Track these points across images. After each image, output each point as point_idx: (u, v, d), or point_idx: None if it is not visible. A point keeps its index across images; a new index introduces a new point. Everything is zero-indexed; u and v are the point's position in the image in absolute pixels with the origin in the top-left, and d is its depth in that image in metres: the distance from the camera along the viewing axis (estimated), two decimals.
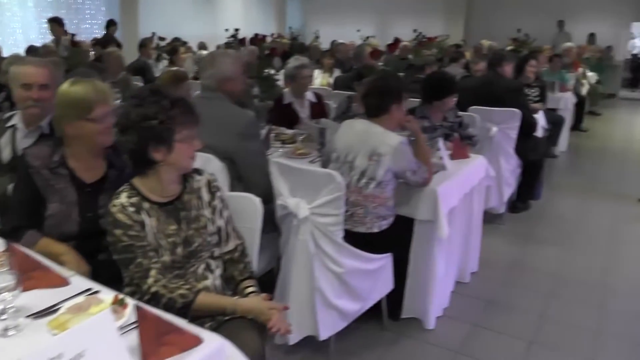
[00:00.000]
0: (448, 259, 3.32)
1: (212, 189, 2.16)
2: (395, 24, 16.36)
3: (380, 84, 3.05)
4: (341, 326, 2.92)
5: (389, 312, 3.23)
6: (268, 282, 2.91)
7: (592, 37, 14.25)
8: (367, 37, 11.32)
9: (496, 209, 4.90)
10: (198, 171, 2.17)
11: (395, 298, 3.19)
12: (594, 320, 3.52)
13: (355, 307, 2.93)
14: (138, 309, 1.51)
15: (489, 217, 4.93)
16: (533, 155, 5.10)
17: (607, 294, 3.88)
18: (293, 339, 2.83)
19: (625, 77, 16.41)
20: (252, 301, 2.03)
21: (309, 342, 2.92)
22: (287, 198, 2.78)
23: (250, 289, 2.13)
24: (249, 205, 2.32)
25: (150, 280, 1.91)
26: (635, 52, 17.10)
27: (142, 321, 1.49)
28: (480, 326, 3.36)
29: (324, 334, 2.82)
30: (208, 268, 2.12)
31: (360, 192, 2.90)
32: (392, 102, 2.97)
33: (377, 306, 3.13)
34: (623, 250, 4.70)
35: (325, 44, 11.62)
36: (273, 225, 2.96)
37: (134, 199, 1.98)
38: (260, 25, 16.41)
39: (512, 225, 5.06)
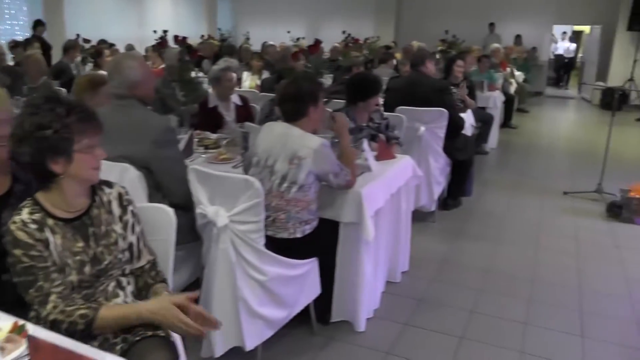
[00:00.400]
0: (376, 260, 3.30)
1: (124, 202, 2.02)
2: (326, 25, 16.43)
3: (292, 89, 2.97)
4: (268, 335, 2.85)
5: (318, 316, 3.18)
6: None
7: (518, 38, 14.76)
8: (298, 39, 11.30)
9: (427, 207, 4.95)
10: (108, 183, 2.04)
11: (323, 302, 3.15)
12: (523, 312, 3.59)
13: (281, 315, 2.87)
14: (31, 340, 1.39)
15: (420, 216, 4.99)
16: (462, 155, 5.17)
17: (535, 286, 3.96)
18: (218, 350, 2.75)
19: (550, 76, 17.21)
20: (157, 301, 1.88)
21: (236, 352, 2.83)
22: (206, 206, 2.69)
23: (164, 291, 2.01)
24: (162, 217, 2.19)
25: (49, 307, 1.77)
26: (558, 52, 17.94)
27: (35, 353, 1.37)
28: (411, 325, 3.35)
29: (250, 344, 2.74)
30: (119, 285, 2.00)
31: (282, 197, 2.83)
32: (309, 105, 2.92)
33: (306, 311, 3.08)
34: (550, 242, 4.83)
35: (256, 46, 11.53)
36: (196, 234, 2.87)
37: (37, 215, 1.83)
38: (190, 26, 16.16)
39: (443, 222, 5.11)
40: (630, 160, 8.17)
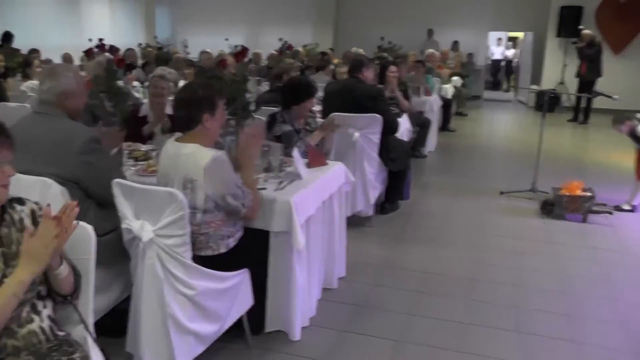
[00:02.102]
0: (310, 267, 3.28)
1: (37, 219, 1.91)
2: (265, 32, 16.40)
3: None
4: (199, 350, 2.77)
5: (251, 328, 3.12)
6: (126, 311, 2.76)
7: (455, 44, 15.12)
8: (236, 47, 11.22)
9: (364, 212, 4.97)
10: (20, 200, 1.93)
11: (257, 313, 3.09)
12: (462, 312, 3.64)
13: (212, 329, 2.80)
14: None
15: (358, 221, 5.00)
16: (397, 166, 5.22)
17: (474, 286, 4.03)
18: None
19: (487, 80, 17.75)
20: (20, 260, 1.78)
21: None
22: (131, 221, 2.61)
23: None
24: (82, 234, 2.09)
25: None
26: (494, 57, 18.57)
27: None
28: (348, 331, 3.34)
29: None
30: (34, 309, 1.89)
31: (191, 223, 2.64)
32: (203, 112, 2.72)
33: (239, 324, 3.02)
34: (488, 242, 4.94)
35: (195, 54, 11.40)
36: None
37: None
38: (128, 34, 15.84)
39: (381, 227, 5.13)
40: (562, 159, 8.44)
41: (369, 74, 5.19)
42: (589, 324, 3.57)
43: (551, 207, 5.66)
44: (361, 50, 10.71)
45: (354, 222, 4.91)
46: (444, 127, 10.37)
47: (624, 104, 6.10)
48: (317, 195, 3.30)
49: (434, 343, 3.25)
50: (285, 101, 4.08)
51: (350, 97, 4.92)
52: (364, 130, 4.76)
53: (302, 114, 4.08)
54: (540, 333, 3.41)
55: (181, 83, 7.29)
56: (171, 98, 4.63)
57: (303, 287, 3.15)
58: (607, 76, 11.78)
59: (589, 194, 5.58)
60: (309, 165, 3.51)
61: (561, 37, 13.72)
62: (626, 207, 5.93)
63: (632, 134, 5.81)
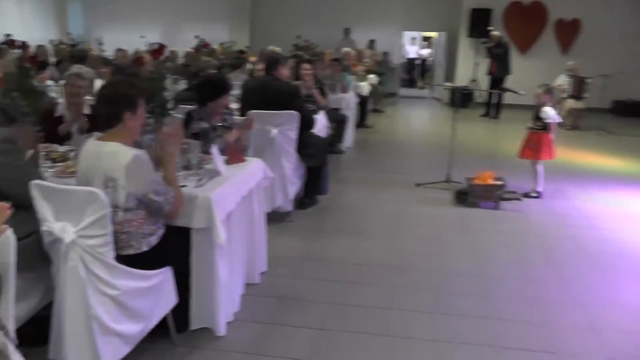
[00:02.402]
0: (232, 263, 3.32)
1: None
2: (182, 30, 16.14)
3: (107, 91, 2.82)
4: (125, 351, 2.76)
5: (176, 326, 3.13)
6: (48, 318, 2.70)
7: (372, 42, 15.43)
8: (152, 44, 11.03)
9: (284, 208, 5.06)
10: None
11: (181, 311, 3.10)
12: (383, 297, 3.80)
13: (137, 329, 2.79)
14: None
15: (278, 216, 5.08)
16: (314, 161, 5.33)
17: (394, 273, 4.20)
18: None
19: (403, 78, 18.31)
20: None
21: None
22: (51, 223, 2.56)
23: None
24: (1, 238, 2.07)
25: None
26: (409, 56, 19.23)
27: None
28: (272, 323, 3.41)
29: None
30: None
31: (113, 222, 2.64)
32: (124, 110, 2.71)
33: (164, 322, 3.03)
34: (406, 231, 5.15)
35: (110, 51, 11.11)
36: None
37: None
38: (38, 30, 15.17)
39: (301, 221, 5.24)
40: (475, 151, 8.84)
41: (285, 72, 5.28)
42: (503, 302, 3.82)
43: (465, 196, 5.95)
44: (277, 48, 10.77)
45: (274, 217, 4.98)
46: (361, 123, 10.62)
47: (529, 98, 6.52)
48: (237, 191, 3.35)
49: (355, 329, 3.39)
50: (201, 98, 4.11)
51: (267, 95, 5.00)
52: (282, 127, 4.85)
53: (217, 110, 4.11)
54: (457, 313, 3.63)
55: (97, 82, 7.14)
56: (87, 97, 4.58)
57: (226, 282, 3.20)
58: (516, 73, 12.47)
59: (500, 182, 5.92)
60: (227, 162, 3.56)
61: (472, 37, 14.37)
62: (533, 194, 6.34)
63: (540, 107, 6.20)
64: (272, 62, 5.22)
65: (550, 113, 6.13)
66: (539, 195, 6.35)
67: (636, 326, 3.58)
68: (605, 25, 13.83)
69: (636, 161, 8.65)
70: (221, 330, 3.22)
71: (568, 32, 14.42)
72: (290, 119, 4.86)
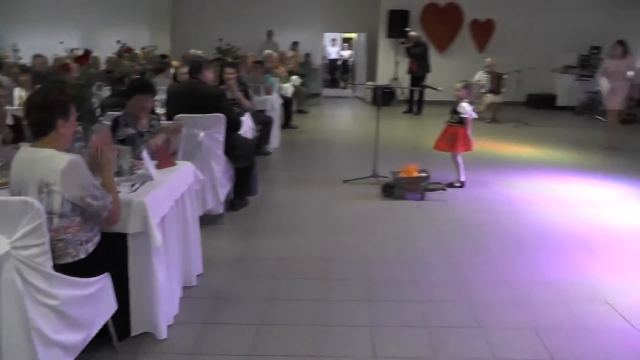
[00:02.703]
0: (169, 266, 3.34)
1: None
2: (102, 34, 15.65)
3: (38, 99, 2.78)
4: None
5: (118, 334, 3.11)
6: None
7: (295, 44, 15.55)
8: (72, 50, 10.68)
9: (215, 210, 5.10)
10: None
11: (121, 317, 3.09)
12: (318, 289, 3.91)
13: (79, 338, 2.75)
14: None
15: (210, 219, 5.12)
16: (242, 162, 5.40)
17: (327, 266, 4.33)
18: None
19: (325, 79, 18.60)
20: None
21: None
22: None
23: None
24: None
25: None
26: (331, 57, 19.56)
27: None
28: (212, 323, 3.45)
29: None
30: None
31: (48, 229, 2.59)
32: (57, 117, 2.71)
33: (105, 331, 3.00)
34: (336, 225, 5.31)
35: (27, 58, 10.68)
36: None
37: None
38: None
39: (233, 222, 5.28)
40: (399, 147, 9.15)
41: (209, 75, 5.31)
42: (431, 285, 4.03)
43: (392, 189, 6.17)
44: (199, 52, 10.73)
45: (206, 220, 5.00)
46: (287, 124, 10.74)
47: (449, 95, 6.83)
48: (170, 195, 3.38)
49: (294, 321, 3.48)
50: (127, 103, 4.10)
51: (193, 99, 5.03)
52: (209, 130, 4.88)
53: (139, 112, 4.06)
54: (391, 299, 3.80)
55: (17, 91, 6.90)
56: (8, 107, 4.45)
57: (165, 285, 3.22)
58: (435, 71, 12.98)
59: (424, 174, 6.16)
60: (158, 166, 3.57)
61: (391, 37, 14.78)
62: (457, 184, 6.66)
63: (458, 102, 6.51)
64: (197, 66, 5.24)
65: (467, 108, 6.44)
66: (462, 185, 6.66)
67: (556, 298, 3.85)
68: (517, 25, 14.65)
69: (550, 149, 9.21)
70: (163, 333, 3.24)
71: (483, 31, 15.14)
72: (217, 121, 4.91)
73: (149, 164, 3.37)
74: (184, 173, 3.69)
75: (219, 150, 5.02)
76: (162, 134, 4.15)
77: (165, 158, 3.69)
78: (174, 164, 3.72)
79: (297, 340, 3.27)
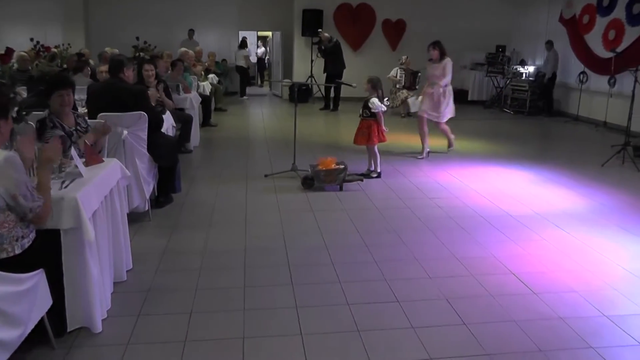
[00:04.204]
0: (101, 262, 3.42)
1: None
2: (10, 33, 14.97)
3: None
4: (3, 359, 2.76)
5: (54, 331, 3.14)
6: None
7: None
8: None
9: (141, 208, 5.17)
10: None
11: (57, 313, 3.13)
12: (245, 277, 4.08)
13: (15, 334, 2.74)
14: None
15: (136, 216, 5.19)
16: (165, 161, 5.49)
17: (251, 255, 4.52)
18: None
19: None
20: None
21: None
22: None
23: None
24: None
25: None
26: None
27: None
28: (144, 314, 3.54)
29: None
30: None
31: None
32: None
33: (41, 328, 3.03)
34: (258, 217, 5.49)
35: None
36: None
37: None
38: None
39: (158, 219, 5.37)
40: (317, 142, 9.45)
41: (129, 74, 5.34)
42: (350, 267, 4.30)
43: (311, 182, 6.41)
44: (115, 50, 10.58)
45: (133, 218, 5.07)
46: (206, 122, 10.79)
47: (363, 91, 7.15)
48: (100, 191, 3.46)
49: (223, 308, 3.64)
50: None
51: (115, 97, 5.05)
52: (132, 128, 4.95)
53: (62, 109, 4.01)
54: (313, 281, 4.04)
55: None
56: None
57: (98, 279, 3.29)
58: (350, 69, 13.39)
59: (342, 166, 6.44)
60: (86, 163, 3.62)
61: (306, 36, 15.05)
62: (374, 174, 7.00)
63: (369, 98, 6.84)
64: (117, 65, 5.26)
65: (376, 103, 6.80)
66: (379, 175, 7.02)
67: (463, 272, 4.23)
68: (427, 25, 15.28)
69: (461, 140, 9.73)
70: (98, 327, 3.30)
71: (394, 31, 15.74)
72: (140, 119, 4.98)
73: (77, 161, 3.42)
74: (111, 170, 3.76)
75: (143, 148, 5.09)
76: (91, 134, 4.17)
77: (93, 155, 3.75)
78: (101, 161, 3.78)
79: (227, 325, 3.43)
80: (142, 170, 5.06)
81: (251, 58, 17.21)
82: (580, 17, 12.77)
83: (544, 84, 13.54)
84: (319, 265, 4.34)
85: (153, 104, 6.36)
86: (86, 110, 5.29)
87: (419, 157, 8.30)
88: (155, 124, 5.25)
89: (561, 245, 4.85)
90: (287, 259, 4.44)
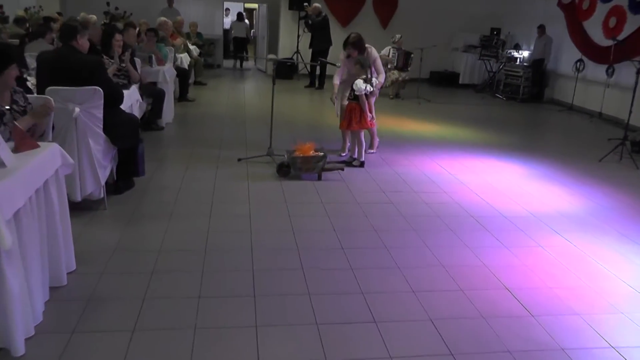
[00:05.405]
0: (28, 268, 2.87)
1: None
2: None
3: None
4: None
5: None
6: None
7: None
8: None
9: (95, 195, 4.59)
10: None
11: None
12: (195, 286, 3.52)
13: None
14: None
15: (89, 205, 4.64)
16: (126, 143, 4.89)
17: (213, 255, 3.97)
18: None
19: (230, 50, 17.84)
20: None
21: None
22: None
23: None
24: None
25: None
26: (225, 27, 18.62)
27: None
28: (80, 331, 2.99)
29: None
30: None
31: None
32: None
33: None
34: (227, 209, 4.94)
35: None
36: None
37: None
38: None
39: (115, 207, 4.79)
40: (298, 122, 8.90)
41: (84, 42, 4.71)
42: (323, 275, 3.77)
43: (287, 169, 5.87)
44: (92, 16, 9.89)
45: (85, 206, 4.53)
46: (183, 97, 10.17)
47: None
48: (27, 184, 2.87)
49: (173, 325, 3.10)
50: None
51: (65, 69, 4.44)
52: (85, 105, 4.34)
53: (6, 86, 3.46)
54: (276, 293, 3.50)
55: None
56: None
57: (19, 293, 2.71)
58: (337, 46, 12.61)
59: (321, 154, 5.90)
60: (15, 149, 3.05)
61: (293, 9, 14.34)
62: (356, 163, 6.47)
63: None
64: (70, 30, 4.62)
65: (360, 86, 6.22)
66: (362, 165, 6.48)
67: (450, 285, 3.72)
68: (418, 3, 14.69)
69: (451, 126, 9.31)
70: (19, 349, 2.75)
71: (386, 8, 15.09)
72: (94, 95, 4.35)
73: (2, 147, 2.85)
74: (47, 156, 3.17)
75: (98, 128, 4.48)
76: (27, 118, 3.56)
77: (25, 140, 3.15)
78: (36, 146, 3.19)
79: (175, 347, 2.90)
80: (96, 153, 4.47)
81: (219, 29, 16.35)
82: (580, 2, 12.23)
83: (541, 70, 13.09)
84: (287, 271, 3.81)
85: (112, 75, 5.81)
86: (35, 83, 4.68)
87: (370, 151, 7.19)
88: (113, 100, 4.65)
89: (560, 254, 4.39)
90: (251, 262, 3.89)
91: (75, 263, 3.61)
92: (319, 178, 5.88)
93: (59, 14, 11.99)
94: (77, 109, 4.29)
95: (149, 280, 3.57)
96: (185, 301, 3.34)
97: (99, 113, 4.43)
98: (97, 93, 4.36)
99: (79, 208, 4.48)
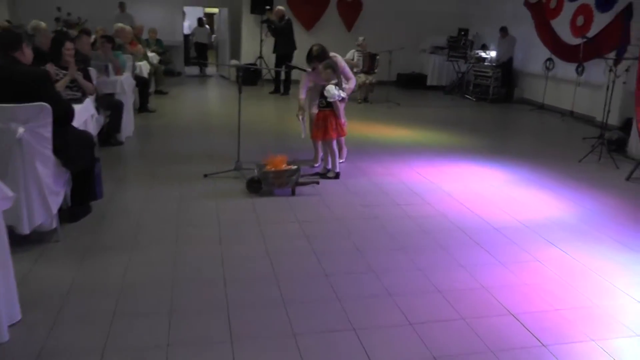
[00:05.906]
0: None
1: None
2: None
3: None
4: None
5: None
6: None
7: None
8: None
9: (47, 226, 4.06)
10: None
11: None
12: (163, 332, 3.03)
13: None
14: None
15: (39, 237, 4.10)
16: (78, 165, 4.38)
17: (178, 292, 3.49)
18: None
19: (192, 57, 17.28)
20: None
21: None
22: None
23: None
24: None
25: None
26: (185, 32, 18.03)
27: None
28: None
29: None
30: None
31: None
32: None
33: None
34: (193, 233, 4.48)
35: None
36: None
37: None
38: None
39: (70, 238, 4.24)
40: (266, 132, 8.51)
41: (29, 52, 4.21)
42: (306, 309, 3.34)
43: (258, 185, 5.44)
44: (43, 24, 9.26)
45: (35, 238, 4.01)
46: (143, 107, 9.65)
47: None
48: None
49: None
50: None
51: (7, 83, 3.92)
52: (31, 124, 3.79)
53: None
54: (256, 334, 3.06)
55: None
56: None
57: None
58: (302, 50, 12.20)
59: (294, 167, 5.49)
60: None
61: (255, 13, 13.89)
62: (331, 174, 6.08)
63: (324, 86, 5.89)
64: (11, 40, 4.11)
65: (333, 92, 5.81)
66: (337, 176, 6.10)
67: (450, 314, 3.33)
68: (384, 5, 14.43)
69: (423, 130, 9.04)
70: None
71: (350, 11, 14.81)
72: (41, 112, 3.82)
73: None
74: None
75: (47, 150, 3.96)
76: None
77: None
78: None
79: None
80: (46, 179, 3.94)
81: (179, 35, 15.80)
82: (547, 2, 12.08)
83: (510, 70, 12.95)
84: (266, 305, 3.37)
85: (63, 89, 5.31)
86: None
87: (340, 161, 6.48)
88: (63, 117, 4.15)
89: (559, 269, 4.07)
90: (225, 296, 3.44)
91: (20, 312, 3.07)
92: (293, 193, 5.47)
93: (8, 22, 11.30)
94: (20, 129, 3.75)
95: (109, 327, 3.07)
96: (152, 352, 2.86)
97: (47, 132, 3.90)
98: (44, 110, 3.83)
99: (27, 242, 3.95)
